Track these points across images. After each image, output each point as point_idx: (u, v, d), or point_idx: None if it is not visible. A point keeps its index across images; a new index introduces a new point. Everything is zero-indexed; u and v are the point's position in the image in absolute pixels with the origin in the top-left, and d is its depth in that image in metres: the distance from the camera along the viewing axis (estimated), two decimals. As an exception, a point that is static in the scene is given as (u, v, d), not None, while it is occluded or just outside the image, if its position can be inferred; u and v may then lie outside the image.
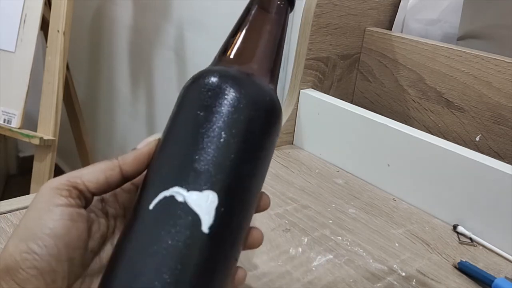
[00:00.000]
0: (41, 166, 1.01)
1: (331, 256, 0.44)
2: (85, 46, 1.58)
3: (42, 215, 0.25)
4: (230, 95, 0.27)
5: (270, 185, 0.56)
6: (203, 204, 0.25)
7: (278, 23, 0.32)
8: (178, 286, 0.23)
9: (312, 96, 0.65)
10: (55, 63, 1.00)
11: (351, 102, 0.73)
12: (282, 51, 0.32)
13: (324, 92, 0.68)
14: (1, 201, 0.45)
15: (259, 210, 0.30)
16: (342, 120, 0.61)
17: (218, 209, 0.25)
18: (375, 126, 0.58)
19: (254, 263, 0.42)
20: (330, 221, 0.50)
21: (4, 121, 0.99)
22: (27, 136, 0.98)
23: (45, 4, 1.01)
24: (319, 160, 0.65)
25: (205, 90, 0.28)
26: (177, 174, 0.26)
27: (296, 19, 0.87)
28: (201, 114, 0.27)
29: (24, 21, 0.99)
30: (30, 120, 1.05)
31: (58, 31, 0.99)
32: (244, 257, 0.42)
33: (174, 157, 0.27)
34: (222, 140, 0.26)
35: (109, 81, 1.52)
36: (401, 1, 0.74)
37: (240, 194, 0.27)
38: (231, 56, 0.31)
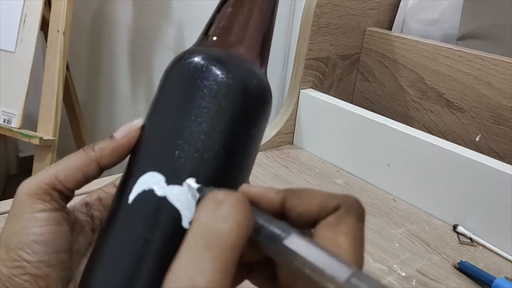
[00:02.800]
0: (41, 166, 1.01)
1: (331, 256, 0.44)
2: (85, 46, 1.58)
3: (26, 224, 0.24)
4: (216, 78, 0.25)
5: (270, 185, 0.56)
6: (183, 198, 0.23)
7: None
8: (154, 284, 0.22)
9: (312, 96, 0.65)
10: (55, 63, 1.00)
11: (351, 102, 0.73)
12: (273, 29, 0.30)
13: (324, 92, 0.68)
14: (1, 201, 0.45)
15: None
16: (342, 120, 0.61)
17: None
18: (375, 126, 0.58)
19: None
20: (330, 221, 0.50)
21: (4, 121, 0.99)
22: (27, 136, 0.98)
23: (45, 4, 1.01)
24: (319, 160, 0.64)
25: (189, 73, 0.26)
26: (156, 161, 0.24)
27: (296, 19, 0.87)
28: (184, 99, 0.25)
29: (24, 21, 0.99)
30: (30, 120, 1.05)
31: (58, 31, 0.99)
32: (244, 257, 0.42)
33: (154, 146, 0.25)
34: (207, 127, 0.24)
35: (109, 81, 1.52)
36: (401, 1, 0.74)
37: (223, 185, 0.25)
38: (215, 37, 0.28)
